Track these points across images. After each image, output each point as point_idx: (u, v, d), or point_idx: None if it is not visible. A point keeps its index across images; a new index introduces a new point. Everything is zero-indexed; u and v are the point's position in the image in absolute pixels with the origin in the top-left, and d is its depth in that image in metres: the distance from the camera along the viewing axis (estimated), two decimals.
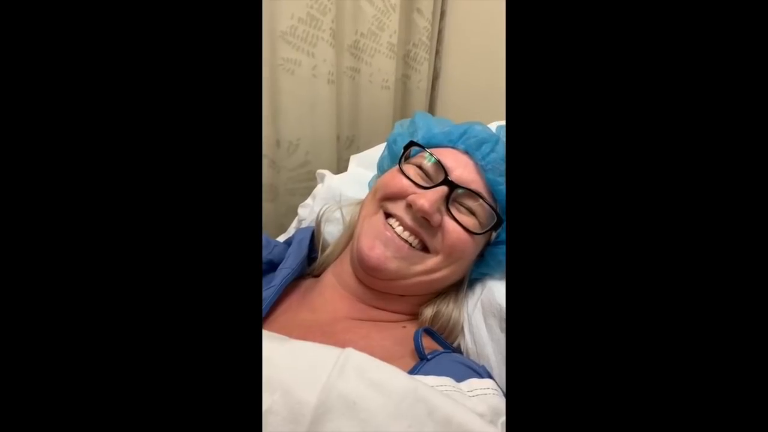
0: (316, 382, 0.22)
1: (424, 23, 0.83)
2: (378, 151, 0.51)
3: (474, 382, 0.28)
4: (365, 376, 0.23)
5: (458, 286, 0.40)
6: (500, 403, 0.27)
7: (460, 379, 0.28)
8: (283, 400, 0.21)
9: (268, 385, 0.21)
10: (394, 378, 0.23)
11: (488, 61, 0.82)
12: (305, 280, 0.43)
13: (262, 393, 0.21)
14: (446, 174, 0.36)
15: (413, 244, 0.35)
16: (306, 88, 0.71)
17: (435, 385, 0.26)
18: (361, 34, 0.77)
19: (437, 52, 0.90)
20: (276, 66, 0.68)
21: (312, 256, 0.45)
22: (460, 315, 0.38)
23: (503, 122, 0.52)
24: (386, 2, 0.77)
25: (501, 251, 0.37)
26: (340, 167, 0.77)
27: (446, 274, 0.37)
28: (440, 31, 0.88)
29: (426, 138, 0.39)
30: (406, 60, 0.86)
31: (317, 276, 0.43)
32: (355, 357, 0.23)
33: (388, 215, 0.36)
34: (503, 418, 0.26)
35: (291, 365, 0.23)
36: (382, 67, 0.80)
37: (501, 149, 0.37)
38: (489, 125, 0.43)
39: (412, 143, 0.39)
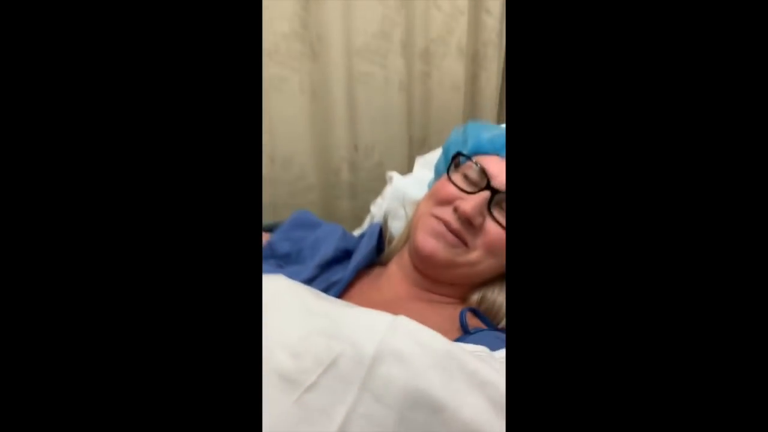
0: (374, 337, 0.31)
1: (492, 22, 0.87)
2: (439, 153, 0.59)
3: (505, 351, 0.35)
4: (412, 336, 0.31)
5: (504, 276, 0.46)
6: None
7: (494, 349, 0.35)
8: (350, 349, 0.31)
9: (338, 337, 0.31)
10: (435, 340, 0.31)
11: None
12: (375, 268, 0.53)
13: (333, 342, 0.30)
14: (488, 180, 0.42)
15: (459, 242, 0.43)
16: (379, 96, 0.81)
17: (470, 351, 0.33)
18: (431, 40, 0.84)
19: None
20: (352, 78, 0.79)
21: (381, 248, 0.55)
22: (504, 300, 0.45)
23: None
24: (455, 7, 0.83)
25: None
26: (413, 166, 0.86)
27: (488, 266, 0.43)
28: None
29: (474, 147, 0.46)
30: (475, 59, 0.91)
31: (384, 265, 0.53)
32: (406, 321, 0.32)
33: (438, 218, 0.44)
34: None
35: (356, 324, 0.32)
36: (452, 69, 0.87)
37: None
38: None
39: (459, 154, 0.46)
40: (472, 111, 0.94)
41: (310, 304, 0.35)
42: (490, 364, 0.31)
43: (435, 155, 0.65)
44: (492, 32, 0.88)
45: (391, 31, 0.78)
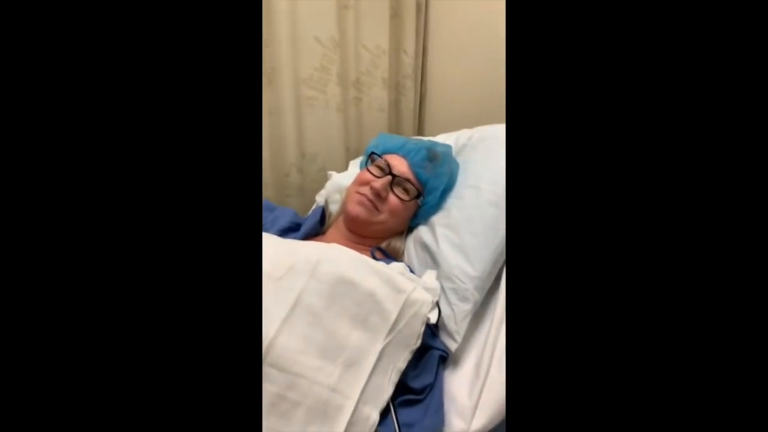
0: (317, 251, 0.54)
1: (408, 60, 1.16)
2: None
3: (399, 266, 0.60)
4: (340, 250, 0.55)
5: (402, 232, 0.71)
6: (406, 271, 0.58)
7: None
8: (303, 258, 0.52)
9: (296, 252, 0.53)
10: (353, 252, 0.55)
11: (463, 87, 1.13)
12: (318, 237, 0.76)
13: (292, 255, 0.53)
14: (390, 169, 0.68)
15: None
16: (321, 116, 1.06)
17: (392, 265, 0.58)
18: (361, 73, 1.11)
19: (423, 81, 1.22)
20: (301, 102, 1.03)
21: (322, 223, 0.79)
22: (402, 245, 0.69)
23: (455, 133, 0.83)
24: (378, 47, 1.11)
25: (424, 210, 0.68)
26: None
27: (392, 224, 0.68)
28: (424, 65, 1.21)
29: (382, 149, 0.71)
30: (396, 88, 1.19)
31: (325, 233, 0.76)
32: (337, 245, 0.56)
33: (359, 193, 0.69)
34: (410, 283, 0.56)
35: (306, 246, 0.55)
36: (378, 95, 1.14)
37: (423, 153, 0.69)
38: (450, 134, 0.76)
39: (373, 153, 0.72)
40: (395, 128, 1.22)
41: (278, 240, 0.58)
42: (384, 264, 0.56)
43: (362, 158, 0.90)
44: (408, 68, 1.17)
45: (330, 66, 1.03)
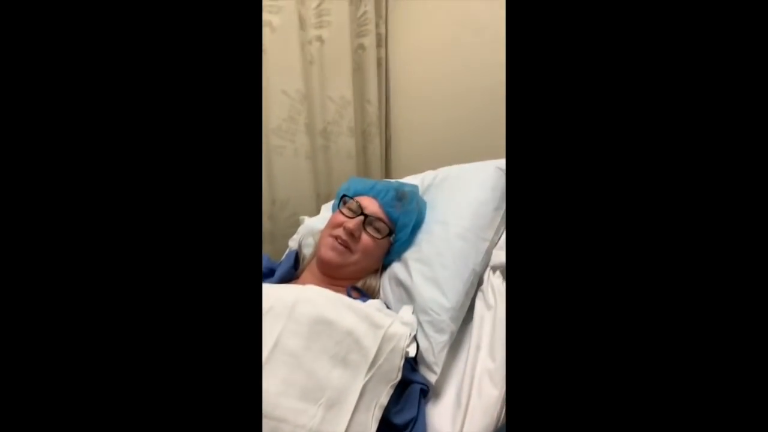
0: (293, 293, 0.55)
1: (372, 109, 1.24)
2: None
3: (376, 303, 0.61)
4: (316, 291, 0.56)
5: (377, 270, 0.74)
6: (382, 307, 0.59)
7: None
8: (280, 301, 0.53)
9: (271, 297, 0.54)
10: (329, 292, 0.57)
11: (425, 131, 1.21)
12: (292, 281, 0.77)
13: (268, 300, 0.54)
14: (362, 210, 0.71)
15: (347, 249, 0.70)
16: (291, 164, 1.10)
17: (367, 303, 0.59)
18: (328, 123, 1.17)
19: (387, 129, 1.30)
20: (270, 150, 1.07)
21: (296, 266, 0.80)
22: (377, 282, 0.71)
23: (421, 174, 0.88)
24: (343, 99, 1.18)
25: (396, 247, 0.71)
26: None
27: (365, 264, 0.70)
28: (387, 114, 1.29)
29: (353, 191, 0.75)
30: (363, 136, 1.26)
31: (299, 278, 0.77)
32: (312, 286, 0.57)
33: (332, 236, 0.71)
34: (389, 323, 0.58)
35: (282, 289, 0.56)
36: (346, 143, 1.20)
37: (393, 193, 0.73)
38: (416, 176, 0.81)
39: (344, 195, 0.75)
40: (363, 173, 1.27)
41: None
42: (360, 303, 0.58)
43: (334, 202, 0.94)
44: (373, 116, 1.24)
45: (297, 117, 1.09)
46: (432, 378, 0.58)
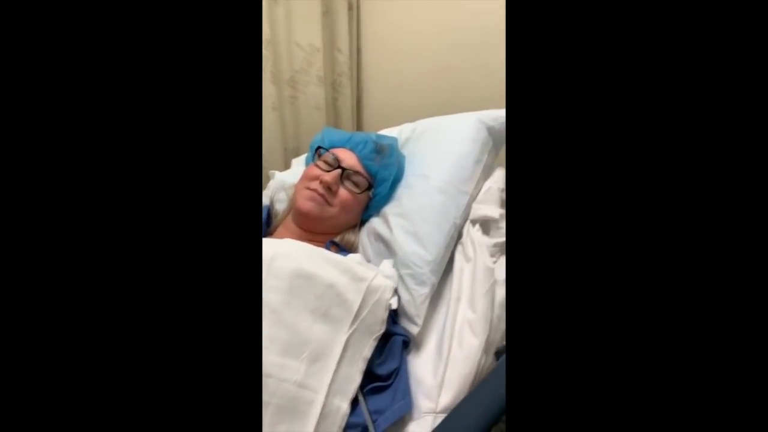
0: (271, 247, 0.53)
1: (343, 58, 1.18)
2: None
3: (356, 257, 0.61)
4: (293, 245, 0.55)
5: (355, 225, 0.73)
6: (363, 261, 0.59)
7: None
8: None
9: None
10: (307, 245, 0.56)
11: (399, 83, 1.17)
12: (266, 237, 0.75)
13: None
14: (339, 163, 0.69)
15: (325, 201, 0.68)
16: None
17: (349, 257, 0.58)
18: (295, 71, 1.11)
19: (359, 80, 1.25)
20: None
21: (269, 223, 0.77)
22: (356, 237, 0.70)
23: (398, 127, 0.86)
24: (312, 46, 1.11)
25: (375, 202, 0.70)
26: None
27: (344, 219, 0.68)
28: (359, 64, 1.23)
29: (329, 143, 0.72)
30: (333, 86, 1.20)
31: (272, 234, 0.75)
32: (290, 240, 0.56)
33: (309, 189, 0.69)
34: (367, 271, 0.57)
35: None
36: (315, 93, 1.14)
37: (371, 146, 0.71)
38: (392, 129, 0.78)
39: (319, 147, 0.72)
40: (334, 125, 1.23)
41: None
42: (340, 256, 0.57)
43: (305, 157, 0.90)
44: (344, 65, 1.18)
45: (263, 65, 1.02)
46: (414, 330, 0.59)
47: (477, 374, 0.54)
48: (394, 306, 0.56)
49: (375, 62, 1.22)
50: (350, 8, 1.17)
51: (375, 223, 0.70)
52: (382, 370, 0.54)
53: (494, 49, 0.93)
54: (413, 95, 1.13)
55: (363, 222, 0.73)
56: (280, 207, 0.79)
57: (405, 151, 0.77)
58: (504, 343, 0.58)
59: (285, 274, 0.51)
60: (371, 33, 1.21)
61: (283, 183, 0.82)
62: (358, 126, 1.28)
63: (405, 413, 0.52)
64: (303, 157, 0.90)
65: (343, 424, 0.49)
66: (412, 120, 0.86)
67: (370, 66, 1.23)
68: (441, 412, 0.51)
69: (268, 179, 0.91)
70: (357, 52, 1.22)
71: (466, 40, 1.01)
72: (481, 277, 0.60)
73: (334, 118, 1.22)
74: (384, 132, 0.87)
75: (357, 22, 1.20)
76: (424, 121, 0.81)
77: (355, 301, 0.53)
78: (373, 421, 0.50)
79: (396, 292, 0.58)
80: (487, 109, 0.74)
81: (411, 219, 0.65)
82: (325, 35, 1.13)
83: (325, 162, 0.70)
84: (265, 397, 0.45)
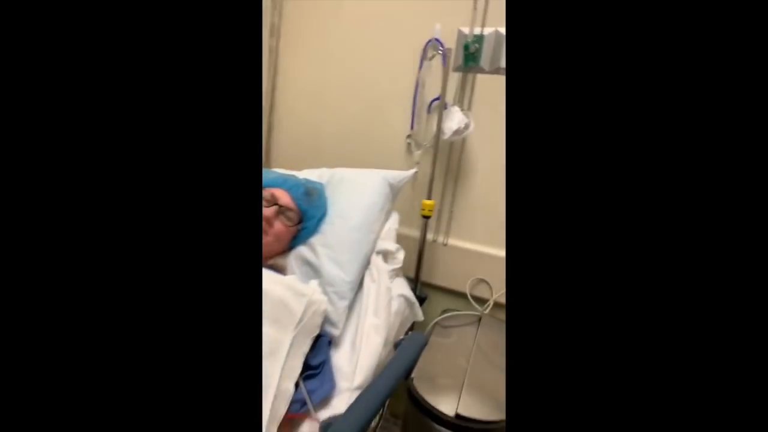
0: None
1: (263, 96, 1.34)
2: None
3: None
4: None
5: (285, 251, 0.91)
6: (297, 281, 0.78)
7: None
8: None
9: None
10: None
11: (309, 120, 1.37)
12: None
13: None
14: (276, 200, 0.87)
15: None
16: None
17: (285, 277, 0.76)
18: None
19: (270, 116, 1.41)
20: None
21: None
22: (285, 262, 0.89)
23: (318, 170, 1.07)
24: None
25: (303, 234, 0.90)
26: None
27: (277, 247, 0.87)
28: (272, 101, 1.40)
29: (266, 183, 0.90)
30: None
31: None
32: None
33: None
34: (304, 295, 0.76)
35: None
36: None
37: (303, 189, 0.91)
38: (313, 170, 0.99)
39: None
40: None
41: None
42: (283, 276, 0.76)
43: None
44: (264, 102, 1.34)
45: None
46: (335, 332, 0.81)
47: (379, 362, 0.79)
48: (323, 313, 0.77)
49: (287, 104, 1.40)
50: (270, 52, 1.34)
51: (302, 250, 0.90)
52: (313, 361, 0.74)
53: (398, 112, 1.21)
54: (317, 140, 1.35)
55: (290, 248, 0.92)
56: None
57: (327, 193, 0.99)
58: (401, 337, 0.84)
59: None
60: (287, 77, 1.39)
61: None
62: (266, 158, 1.43)
63: (330, 391, 0.73)
64: None
65: (289, 401, 0.67)
66: (314, 161, 1.07)
67: (282, 106, 1.41)
68: (356, 389, 0.74)
69: None
70: (272, 91, 1.39)
71: (368, 103, 1.27)
72: (383, 294, 0.85)
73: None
74: (306, 173, 1.07)
75: (275, 65, 1.38)
76: (340, 170, 1.05)
77: (298, 311, 0.72)
78: (310, 398, 0.69)
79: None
80: (381, 164, 1.01)
81: (335, 249, 0.87)
82: None
83: (264, 199, 0.87)
84: None
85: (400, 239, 1.01)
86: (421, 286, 1.16)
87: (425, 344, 0.83)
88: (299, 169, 1.14)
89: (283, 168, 1.15)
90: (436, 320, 0.98)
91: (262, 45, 1.30)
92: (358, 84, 1.27)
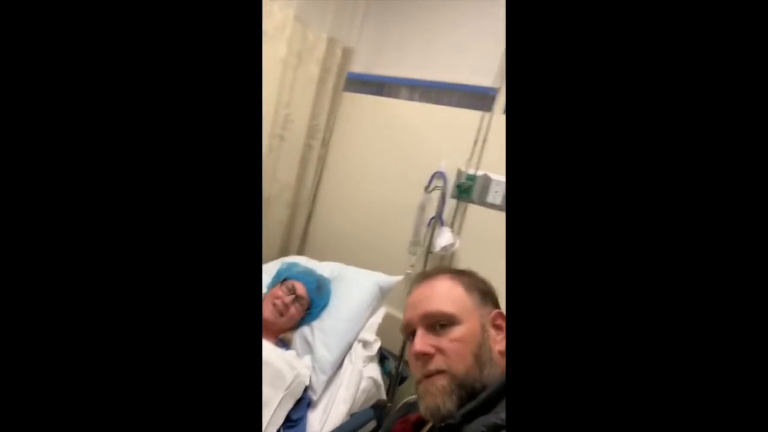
0: None
1: (306, 192, 1.76)
2: (270, 265, 1.39)
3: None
4: (266, 344, 1.08)
5: (293, 329, 1.27)
6: (295, 357, 1.12)
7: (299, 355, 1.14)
8: None
9: None
10: (271, 347, 1.09)
11: (338, 218, 1.76)
12: None
13: None
14: (295, 290, 1.24)
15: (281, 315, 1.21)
16: None
17: (284, 352, 1.11)
18: (272, 196, 1.65)
19: (312, 207, 1.82)
20: None
21: None
22: (293, 337, 1.24)
23: (333, 264, 1.44)
24: (287, 183, 1.67)
25: (308, 318, 1.25)
26: None
27: (289, 325, 1.22)
28: (315, 196, 1.82)
29: (293, 275, 1.27)
30: (294, 208, 1.76)
31: None
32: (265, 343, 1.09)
33: (274, 305, 1.21)
34: (299, 372, 1.10)
35: None
36: (279, 213, 1.69)
37: (314, 283, 1.27)
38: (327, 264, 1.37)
39: (285, 279, 1.26)
40: (287, 236, 1.77)
41: None
42: (284, 352, 1.11)
43: (267, 266, 1.43)
44: (305, 197, 1.76)
45: None
46: (314, 397, 1.14)
47: (341, 427, 1.09)
48: (306, 383, 1.10)
49: (328, 191, 1.81)
50: (319, 159, 1.77)
51: (304, 330, 1.25)
52: (294, 416, 1.07)
53: (405, 223, 1.56)
54: (345, 234, 1.73)
55: (298, 326, 1.28)
56: None
57: (332, 288, 1.34)
58: (353, 411, 1.15)
59: None
60: (330, 179, 1.80)
61: None
62: (303, 235, 1.83)
63: None
64: (267, 265, 1.43)
65: None
66: (340, 251, 1.43)
67: (323, 202, 1.82)
68: None
69: None
70: (316, 188, 1.81)
71: (386, 211, 1.63)
72: (355, 374, 1.17)
73: (289, 231, 1.78)
74: (321, 264, 1.44)
75: (321, 169, 1.80)
76: (341, 267, 1.41)
77: (288, 379, 1.06)
78: None
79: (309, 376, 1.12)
80: (387, 261, 1.36)
81: (326, 334, 1.21)
82: (298, 175, 1.71)
83: (287, 287, 1.24)
84: None
85: (395, 322, 1.31)
86: (404, 365, 1.45)
87: (368, 421, 1.13)
88: (323, 257, 1.51)
89: (313, 256, 1.54)
90: (405, 400, 1.27)
91: (316, 153, 1.73)
92: (376, 197, 1.65)
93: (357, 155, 1.73)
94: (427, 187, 1.46)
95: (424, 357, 0.60)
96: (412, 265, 1.50)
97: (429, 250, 1.44)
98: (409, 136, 1.58)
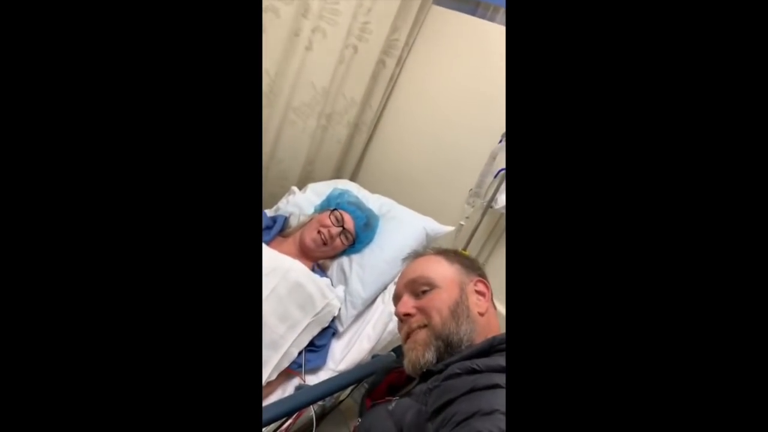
0: (286, 263, 1.06)
1: (371, 112, 1.66)
2: (322, 185, 1.36)
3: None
4: (298, 265, 1.08)
5: (339, 255, 1.26)
6: (329, 285, 1.13)
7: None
8: (280, 267, 1.04)
9: (276, 261, 1.04)
10: (305, 267, 1.09)
11: (397, 152, 1.67)
12: (280, 237, 1.26)
13: (270, 263, 1.04)
14: (343, 223, 1.21)
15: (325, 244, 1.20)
16: (297, 137, 1.51)
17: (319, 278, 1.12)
18: (334, 113, 1.58)
19: (375, 128, 1.73)
20: (285, 122, 1.47)
21: (282, 230, 1.29)
22: (330, 264, 1.25)
23: (385, 199, 1.39)
24: (353, 99, 1.58)
25: (350, 251, 1.24)
26: (300, 183, 1.57)
27: (330, 254, 1.22)
28: (379, 118, 1.72)
29: (343, 205, 1.24)
30: (355, 128, 1.68)
31: (287, 237, 1.26)
32: (298, 262, 1.09)
33: (319, 232, 1.20)
34: (332, 296, 1.11)
35: (282, 258, 1.06)
36: (341, 131, 1.62)
37: (364, 220, 1.23)
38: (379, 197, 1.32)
39: (335, 209, 1.23)
40: (342, 159, 1.72)
41: (265, 248, 1.08)
42: (319, 277, 1.11)
43: (320, 186, 1.40)
44: (368, 117, 1.67)
45: (315, 105, 1.48)
46: (340, 328, 1.16)
47: (360, 362, 1.12)
48: (335, 314, 1.11)
49: (389, 126, 1.71)
50: (391, 78, 1.64)
51: (343, 261, 1.24)
52: (319, 342, 1.10)
53: (468, 168, 1.45)
54: (399, 172, 1.64)
55: (337, 256, 1.27)
56: (293, 221, 1.31)
57: (380, 226, 1.30)
58: (384, 352, 1.17)
59: (291, 281, 1.05)
60: (398, 100, 1.68)
61: (299, 206, 1.33)
62: (360, 160, 1.77)
63: (321, 366, 1.09)
64: (319, 185, 1.41)
65: (291, 360, 1.04)
66: (389, 186, 1.37)
67: (384, 126, 1.72)
68: (336, 371, 1.08)
69: (284, 184, 1.39)
70: (381, 110, 1.70)
71: (464, 151, 1.52)
72: (385, 315, 1.17)
73: (346, 153, 1.71)
74: (376, 197, 1.39)
75: (391, 89, 1.67)
76: (399, 208, 1.35)
77: (318, 306, 1.07)
78: (305, 364, 1.06)
79: (338, 308, 1.13)
80: (440, 206, 1.29)
81: (364, 270, 1.20)
82: (365, 93, 1.60)
83: (335, 218, 1.22)
84: (263, 337, 0.99)
85: None
86: None
87: (386, 365, 1.14)
88: (374, 189, 1.46)
89: (364, 186, 1.49)
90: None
91: (389, 72, 1.60)
92: (445, 134, 1.52)
93: (433, 83, 1.57)
94: (504, 136, 1.32)
95: (406, 317, 0.72)
96: (467, 217, 1.42)
97: (489, 205, 1.34)
98: (499, 72, 1.39)
